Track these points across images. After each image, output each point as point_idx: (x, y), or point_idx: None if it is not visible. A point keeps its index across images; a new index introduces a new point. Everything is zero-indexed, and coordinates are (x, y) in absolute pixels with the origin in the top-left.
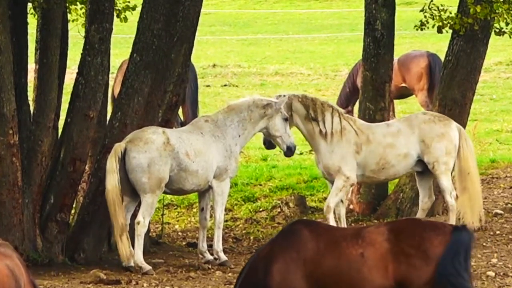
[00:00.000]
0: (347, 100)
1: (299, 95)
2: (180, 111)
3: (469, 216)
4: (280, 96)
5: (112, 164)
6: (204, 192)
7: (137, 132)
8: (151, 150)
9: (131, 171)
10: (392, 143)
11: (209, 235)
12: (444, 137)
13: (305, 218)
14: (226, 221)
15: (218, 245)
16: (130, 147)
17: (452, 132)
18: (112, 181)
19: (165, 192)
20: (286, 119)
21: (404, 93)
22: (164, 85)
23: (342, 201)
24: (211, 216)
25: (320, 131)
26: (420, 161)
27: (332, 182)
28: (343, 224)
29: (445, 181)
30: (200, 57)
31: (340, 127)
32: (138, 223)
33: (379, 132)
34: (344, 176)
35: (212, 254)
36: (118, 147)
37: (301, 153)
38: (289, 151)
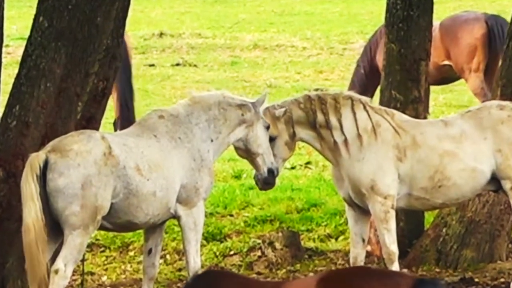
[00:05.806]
0: (363, 87)
1: (299, 99)
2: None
3: None
4: (273, 106)
5: (30, 186)
6: (156, 226)
7: (63, 139)
8: (86, 164)
9: (55, 195)
10: (453, 151)
11: None
12: None
13: (219, 267)
14: (180, 269)
15: None
16: (54, 159)
17: None
18: (33, 211)
19: (105, 229)
20: (268, 127)
21: (448, 75)
22: (86, 65)
23: (363, 239)
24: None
25: (335, 142)
26: (495, 178)
27: (360, 210)
28: None
29: None
30: (140, 22)
31: (371, 123)
32: (57, 271)
33: (431, 133)
34: (380, 196)
35: None
36: (35, 158)
37: (293, 167)
38: (271, 176)
